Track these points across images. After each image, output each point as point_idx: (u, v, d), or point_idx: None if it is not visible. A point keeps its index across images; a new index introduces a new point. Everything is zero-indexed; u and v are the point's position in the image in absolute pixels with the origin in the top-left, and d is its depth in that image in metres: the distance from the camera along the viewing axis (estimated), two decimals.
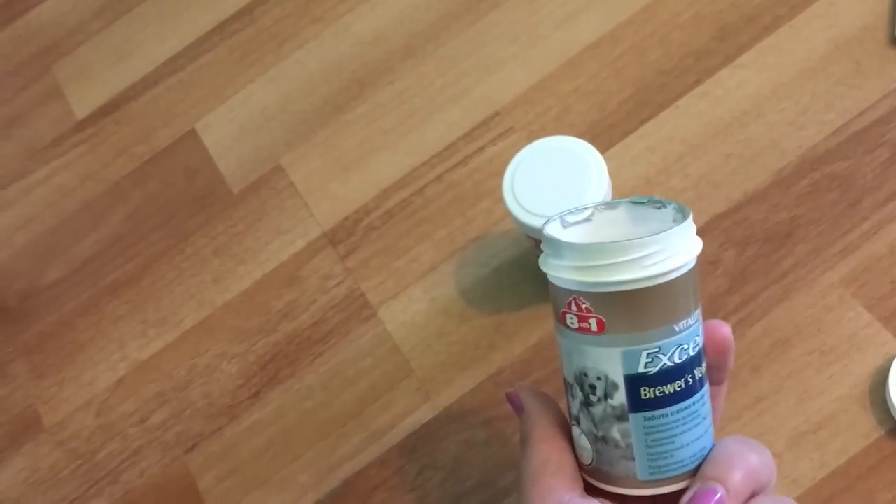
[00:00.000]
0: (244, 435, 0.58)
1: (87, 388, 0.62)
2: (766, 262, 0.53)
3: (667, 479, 0.35)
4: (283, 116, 0.68)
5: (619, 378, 0.34)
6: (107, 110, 0.73)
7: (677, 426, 0.34)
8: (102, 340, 0.64)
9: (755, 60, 0.59)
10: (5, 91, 0.77)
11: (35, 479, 0.61)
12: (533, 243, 0.51)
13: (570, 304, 0.34)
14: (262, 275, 0.62)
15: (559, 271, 0.34)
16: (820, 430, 0.49)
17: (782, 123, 0.56)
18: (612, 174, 0.57)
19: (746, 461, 0.34)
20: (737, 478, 0.33)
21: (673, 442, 0.34)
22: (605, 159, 0.53)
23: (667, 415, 0.34)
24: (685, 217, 0.34)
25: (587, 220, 0.38)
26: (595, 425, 0.35)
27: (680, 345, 0.34)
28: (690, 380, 0.34)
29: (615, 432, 0.35)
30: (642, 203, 0.37)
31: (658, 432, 0.34)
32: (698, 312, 0.35)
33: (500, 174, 0.60)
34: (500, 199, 0.60)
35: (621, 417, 0.34)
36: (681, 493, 0.34)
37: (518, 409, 0.40)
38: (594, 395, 0.35)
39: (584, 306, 0.34)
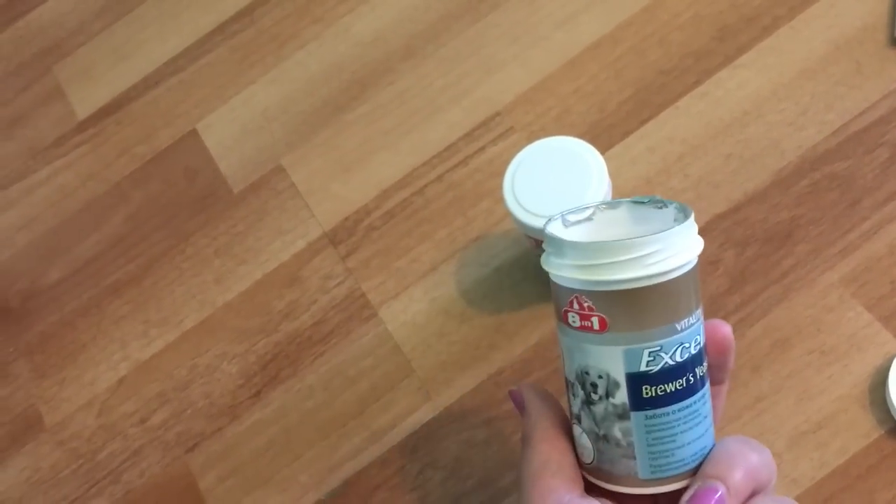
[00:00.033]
0: (245, 435, 0.58)
1: (88, 387, 0.63)
2: (766, 262, 0.53)
3: (668, 477, 0.35)
4: (283, 117, 0.68)
5: (620, 376, 0.34)
6: (108, 111, 0.73)
7: (678, 425, 0.34)
8: (104, 340, 0.64)
9: (755, 61, 0.59)
10: (7, 91, 0.77)
11: (36, 478, 0.61)
12: (533, 243, 0.51)
13: (571, 302, 0.34)
14: (262, 275, 0.63)
15: (561, 270, 0.34)
16: (820, 429, 0.49)
17: (782, 124, 0.56)
18: (613, 174, 0.57)
19: (747, 460, 0.34)
20: (737, 477, 0.33)
21: (674, 441, 0.34)
22: (606, 160, 0.53)
23: (668, 413, 0.34)
24: (687, 217, 0.34)
25: (588, 219, 0.38)
26: (596, 424, 0.35)
27: (681, 343, 0.34)
28: (692, 378, 0.34)
29: (616, 431, 0.35)
30: (644, 203, 0.37)
31: (659, 431, 0.34)
32: (700, 311, 0.35)
33: (500, 174, 0.60)
34: (500, 200, 0.60)
35: (622, 416, 0.34)
36: (681, 491, 0.34)
37: (520, 407, 0.40)
38: (595, 393, 0.35)
39: (586, 305, 0.34)
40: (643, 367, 0.34)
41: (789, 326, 0.51)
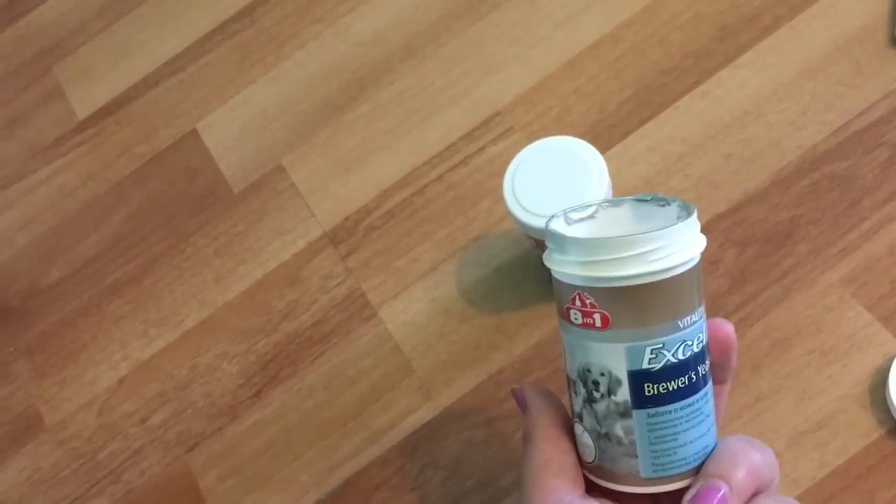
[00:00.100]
0: (245, 434, 0.58)
1: (88, 387, 0.62)
2: (766, 262, 0.53)
3: (670, 476, 0.35)
4: (283, 117, 0.68)
5: (622, 374, 0.34)
6: (108, 110, 0.73)
7: (681, 423, 0.34)
8: (104, 340, 0.64)
9: (755, 61, 0.59)
10: (7, 91, 0.77)
11: (37, 478, 0.61)
12: (533, 243, 0.51)
13: (574, 299, 0.34)
14: (262, 275, 0.63)
15: (564, 266, 0.34)
16: (820, 429, 0.49)
17: (782, 124, 0.57)
18: (613, 174, 0.57)
19: (750, 459, 0.34)
20: (740, 476, 0.33)
21: (676, 439, 0.34)
22: (606, 159, 0.53)
23: (670, 412, 0.34)
24: (689, 214, 0.34)
25: (591, 217, 0.38)
26: (598, 422, 0.35)
27: (684, 341, 0.34)
28: (694, 376, 0.34)
29: (618, 429, 0.35)
30: (646, 201, 0.37)
31: (661, 429, 0.34)
32: (702, 309, 0.35)
33: (500, 174, 0.60)
34: (500, 199, 0.60)
35: (624, 414, 0.34)
36: (683, 491, 0.34)
37: (522, 405, 0.40)
38: (597, 391, 0.35)
39: (588, 301, 0.34)
40: (645, 365, 0.34)
41: (789, 326, 0.51)
